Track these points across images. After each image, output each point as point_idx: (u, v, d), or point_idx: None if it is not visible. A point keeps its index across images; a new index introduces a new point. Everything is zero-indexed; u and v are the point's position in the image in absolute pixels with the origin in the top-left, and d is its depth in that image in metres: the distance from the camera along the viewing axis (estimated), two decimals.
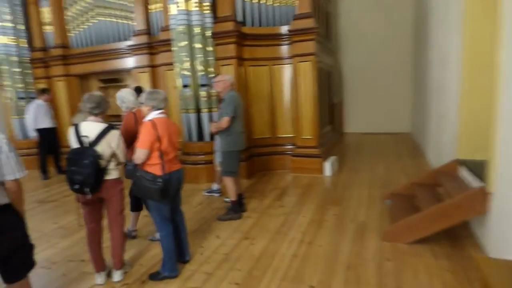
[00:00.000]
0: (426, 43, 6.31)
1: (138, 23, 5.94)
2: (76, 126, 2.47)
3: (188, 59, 5.10)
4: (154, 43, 5.74)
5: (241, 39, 5.31)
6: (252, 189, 4.84)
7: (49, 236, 3.55)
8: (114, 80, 6.93)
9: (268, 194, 4.57)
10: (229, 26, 5.09)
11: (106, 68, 6.55)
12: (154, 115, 2.54)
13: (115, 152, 2.54)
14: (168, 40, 5.44)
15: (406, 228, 2.88)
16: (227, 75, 3.82)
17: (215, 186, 4.67)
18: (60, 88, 6.95)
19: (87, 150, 2.37)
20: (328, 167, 5.37)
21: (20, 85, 6.96)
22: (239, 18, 5.40)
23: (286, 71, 5.65)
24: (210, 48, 5.23)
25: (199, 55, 5.12)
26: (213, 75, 5.29)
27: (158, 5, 5.76)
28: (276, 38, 5.51)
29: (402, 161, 5.97)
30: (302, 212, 3.84)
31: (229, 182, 3.74)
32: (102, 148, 2.44)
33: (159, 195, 2.41)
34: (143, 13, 5.88)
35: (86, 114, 2.55)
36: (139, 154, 2.45)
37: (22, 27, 7.01)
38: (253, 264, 2.76)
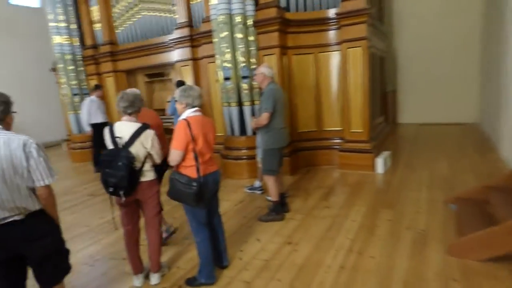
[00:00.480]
0: (502, 23, 5.46)
1: (179, 16, 5.89)
2: (111, 127, 2.40)
3: (229, 50, 4.93)
4: (196, 36, 5.65)
5: (285, 26, 5.00)
6: (295, 186, 4.58)
7: (95, 232, 3.65)
8: (158, 74, 7.02)
9: (313, 192, 4.28)
10: (271, 12, 4.80)
11: (151, 63, 6.64)
12: (188, 113, 2.39)
13: (150, 153, 2.45)
14: (209, 31, 5.32)
15: (478, 243, 2.44)
16: (266, 66, 3.54)
17: (257, 183, 4.50)
18: (109, 83, 7.21)
19: (121, 152, 2.29)
20: (380, 164, 4.92)
21: (74, 82, 7.35)
22: (282, 3, 5.09)
23: (334, 59, 5.24)
24: (251, 38, 5.00)
25: (240, 46, 4.91)
26: (254, 67, 5.06)
27: None
28: (322, 23, 5.10)
29: (469, 157, 5.27)
30: (351, 215, 3.52)
31: (269, 181, 3.53)
32: (136, 149, 2.36)
33: (194, 200, 2.27)
34: (184, 5, 5.81)
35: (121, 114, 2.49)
36: (173, 155, 2.32)
37: (74, 26, 7.35)
38: (295, 275, 2.54)
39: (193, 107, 2.41)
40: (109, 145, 2.41)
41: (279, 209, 3.57)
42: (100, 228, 3.77)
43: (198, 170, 2.30)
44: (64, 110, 8.17)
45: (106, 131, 2.41)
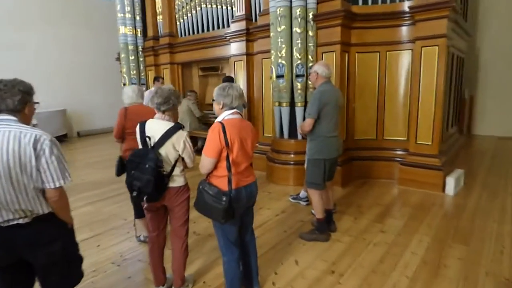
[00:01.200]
0: None
1: (238, 8, 5.64)
2: (142, 125, 2.18)
3: (285, 45, 4.54)
4: (252, 29, 5.35)
5: (349, 20, 4.46)
6: (346, 201, 4.07)
7: (130, 227, 3.55)
8: (213, 68, 6.88)
9: (366, 211, 3.75)
10: (336, 5, 4.30)
11: (207, 56, 6.52)
12: (225, 115, 2.07)
13: (182, 156, 2.19)
14: (267, 25, 4.98)
15: None
16: (321, 64, 3.06)
17: (302, 193, 4.08)
18: (165, 75, 7.26)
19: (149, 153, 2.06)
20: (451, 183, 4.17)
21: (133, 72, 7.56)
22: None
23: (404, 59, 4.57)
24: (311, 33, 4.55)
25: (298, 41, 4.50)
26: (311, 65, 4.61)
27: None
28: (393, 18, 4.46)
29: None
30: (411, 245, 2.94)
31: (314, 195, 3.09)
32: (167, 150, 2.11)
33: (223, 216, 1.95)
34: None
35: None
36: (204, 162, 2.02)
37: (139, 17, 7.53)
38: None
39: (232, 108, 2.09)
40: (139, 145, 2.20)
41: (324, 227, 3.13)
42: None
43: (230, 182, 1.98)
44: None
45: (137, 129, 2.20)
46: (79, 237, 2.16)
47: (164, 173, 2.12)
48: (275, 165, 4.93)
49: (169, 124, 2.15)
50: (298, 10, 4.42)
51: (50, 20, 9.31)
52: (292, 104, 4.76)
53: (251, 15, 5.60)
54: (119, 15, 7.36)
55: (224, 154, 2.00)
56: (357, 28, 4.60)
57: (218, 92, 2.13)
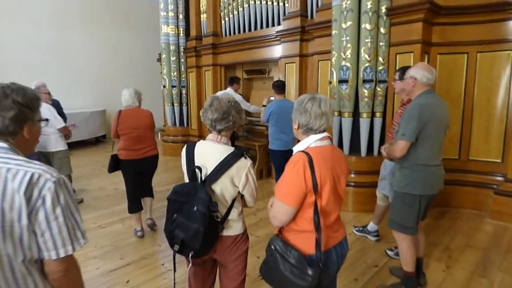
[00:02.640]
0: None
1: (290, 4, 4.98)
2: (190, 148, 1.59)
3: (351, 45, 3.82)
4: (308, 27, 4.66)
5: (433, 14, 3.65)
6: (427, 238, 3.24)
7: (163, 257, 2.99)
8: (259, 71, 6.28)
9: (459, 256, 2.92)
10: None
11: (253, 58, 5.93)
12: (310, 142, 1.42)
13: (242, 194, 1.56)
14: (326, 22, 4.30)
15: None
16: (421, 68, 2.24)
17: (371, 226, 3.32)
18: (207, 78, 6.77)
19: (199, 191, 1.45)
20: None
21: (174, 74, 7.15)
22: None
23: (501, 62, 3.68)
24: (383, 30, 3.79)
25: (368, 40, 3.76)
26: (382, 68, 3.86)
27: None
28: (490, 11, 3.59)
29: None
30: None
31: (402, 242, 2.32)
32: (222, 187, 1.50)
33: None
34: None
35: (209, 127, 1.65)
36: (279, 212, 1.38)
37: (182, 16, 7.12)
38: None
39: (317, 131, 1.43)
40: (184, 176, 1.60)
41: (414, 284, 2.36)
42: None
43: (318, 243, 1.32)
44: (163, 101, 8.15)
45: (183, 153, 1.60)
46: (106, 266, 1.59)
47: (218, 219, 1.50)
48: None
49: (226, 150, 1.53)
50: (369, 3, 3.68)
51: (91, 20, 9.24)
52: (355, 115, 4.03)
53: (307, 12, 4.92)
54: (162, 13, 6.99)
55: (310, 200, 1.34)
56: (441, 24, 3.77)
57: (295, 106, 1.48)
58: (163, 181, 5.42)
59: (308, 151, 1.38)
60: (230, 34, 6.34)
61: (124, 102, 3.32)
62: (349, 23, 3.79)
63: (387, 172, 2.92)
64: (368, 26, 3.72)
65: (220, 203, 1.52)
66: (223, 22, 6.47)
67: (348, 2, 3.74)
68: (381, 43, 3.83)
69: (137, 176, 3.34)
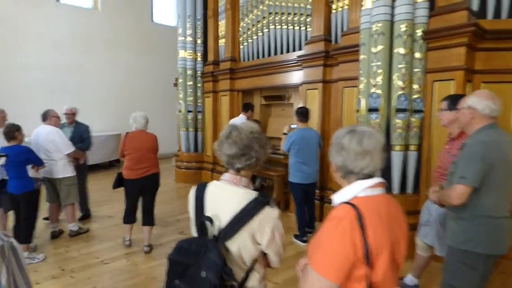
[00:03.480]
0: None
1: (314, 28, 4.76)
2: (200, 190, 1.25)
3: (382, 70, 3.50)
4: (333, 52, 4.39)
5: (477, 38, 3.30)
6: None
7: None
8: (277, 97, 6.02)
9: None
10: (459, 18, 3.19)
11: (271, 83, 5.68)
12: (356, 191, 1.06)
13: (265, 252, 1.19)
14: (352, 46, 4.02)
15: None
16: (481, 97, 1.87)
17: (409, 279, 2.83)
18: (224, 103, 6.55)
19: (209, 250, 1.09)
20: None
21: (190, 99, 6.99)
22: (475, 6, 3.42)
23: None
24: (418, 55, 3.46)
25: (402, 65, 3.43)
26: (417, 96, 3.50)
27: (345, 1, 4.38)
28: None
29: None
30: None
31: None
32: (240, 245, 1.14)
33: None
34: (322, 15, 4.64)
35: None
36: (314, 285, 1.00)
37: (200, 41, 7.05)
38: None
39: (360, 175, 1.07)
40: (192, 226, 1.26)
41: None
42: None
43: None
44: (178, 126, 7.96)
45: (190, 196, 1.27)
46: None
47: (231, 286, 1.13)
48: None
49: (247, 195, 1.18)
50: (402, 26, 3.38)
51: (110, 44, 9.34)
52: (387, 147, 3.64)
53: (330, 36, 4.68)
54: (180, 38, 6.94)
55: (359, 272, 0.96)
56: (485, 49, 3.41)
57: (332, 141, 1.14)
58: (175, 210, 5.09)
59: (356, 204, 1.01)
60: (248, 59, 6.16)
61: (136, 124, 3.59)
62: (380, 47, 3.49)
63: (433, 218, 2.48)
64: (402, 51, 3.40)
65: (236, 265, 1.15)
66: (241, 47, 6.32)
67: (380, 24, 3.46)
68: (416, 69, 3.49)
69: (137, 194, 3.63)
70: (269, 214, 1.15)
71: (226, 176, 1.26)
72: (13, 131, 3.24)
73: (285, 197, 5.18)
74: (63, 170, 3.86)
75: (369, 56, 3.61)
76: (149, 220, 3.67)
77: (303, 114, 3.67)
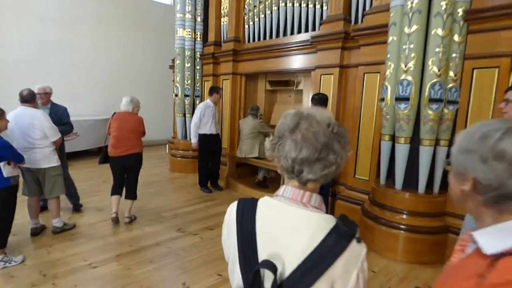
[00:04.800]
0: None
1: (332, 6, 4.28)
2: (246, 212, 0.84)
3: (415, 54, 3.09)
4: (353, 33, 3.95)
5: None
6: None
7: None
8: (284, 82, 5.58)
9: None
10: None
11: (279, 67, 5.22)
12: None
13: None
14: (377, 27, 3.61)
15: None
16: None
17: None
18: (225, 88, 6.07)
19: None
20: None
21: (187, 82, 6.49)
22: None
23: None
24: (457, 38, 3.05)
25: (439, 49, 3.01)
26: (453, 85, 3.11)
27: None
28: None
29: None
30: None
31: None
32: None
33: None
34: None
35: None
36: None
37: (200, 19, 6.51)
38: None
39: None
40: (232, 272, 0.85)
41: None
42: None
43: None
44: (173, 111, 7.49)
45: (230, 223, 0.85)
46: None
47: None
48: (377, 226, 3.41)
49: (323, 222, 0.77)
50: (443, 3, 2.95)
51: (102, 19, 8.70)
52: (414, 141, 3.27)
53: (350, 16, 4.23)
54: (178, 15, 6.39)
55: None
56: None
57: (462, 143, 0.72)
58: (171, 204, 4.67)
59: None
60: (254, 40, 5.67)
61: (121, 107, 3.87)
62: (414, 27, 3.06)
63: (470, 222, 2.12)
64: (440, 32, 2.99)
65: None
66: (246, 26, 5.82)
67: (416, 1, 3.03)
68: (454, 54, 3.09)
69: (121, 171, 3.89)
70: (356, 253, 0.75)
71: (288, 191, 0.84)
72: None
73: None
74: (48, 159, 3.38)
75: (401, 37, 3.19)
76: (131, 195, 3.94)
77: (321, 101, 3.27)
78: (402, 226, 3.27)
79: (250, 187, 5.22)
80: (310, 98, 3.45)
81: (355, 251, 0.75)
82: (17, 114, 3.27)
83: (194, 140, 5.15)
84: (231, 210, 0.89)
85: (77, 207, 4.25)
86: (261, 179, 5.36)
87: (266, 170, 5.33)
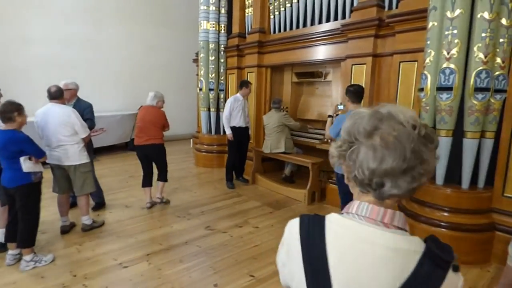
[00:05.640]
0: None
1: None
2: (314, 238, 0.73)
3: (459, 41, 2.88)
4: (388, 19, 3.74)
5: None
6: None
7: None
8: (312, 74, 5.42)
9: None
10: None
11: (306, 58, 5.07)
12: None
13: None
14: (415, 12, 3.42)
15: None
16: None
17: None
18: (250, 80, 5.98)
19: None
20: None
21: (212, 76, 6.46)
22: None
23: None
24: (505, 21, 2.81)
25: (485, 34, 2.79)
26: (500, 73, 2.89)
27: None
28: None
29: None
30: None
31: None
32: None
33: None
34: None
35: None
36: None
37: (224, 10, 6.43)
38: None
39: None
40: None
41: None
42: None
43: None
44: (198, 105, 7.51)
45: (291, 248, 0.76)
46: None
47: None
48: (416, 223, 3.26)
49: (411, 245, 0.67)
50: None
51: (126, 15, 8.80)
52: (457, 133, 3.07)
53: (383, 1, 4.02)
54: (202, 7, 6.34)
55: None
56: None
57: None
58: (199, 200, 4.68)
59: None
60: (279, 31, 5.53)
61: (147, 101, 4.26)
62: (458, 11, 2.85)
63: None
64: (487, 15, 2.76)
65: None
66: (272, 17, 5.68)
67: None
68: (501, 39, 2.85)
69: (144, 159, 4.29)
70: (454, 285, 0.65)
71: (365, 209, 0.72)
72: (11, 111, 2.69)
73: (320, 187, 4.70)
74: (79, 155, 3.43)
75: (442, 22, 2.98)
76: (161, 177, 4.40)
77: (357, 93, 3.11)
78: (443, 224, 3.11)
79: (277, 183, 5.15)
80: (345, 90, 3.29)
81: (453, 283, 0.64)
82: (46, 111, 3.32)
83: (228, 131, 5.20)
84: (292, 230, 0.77)
85: (99, 205, 4.26)
86: (288, 174, 5.27)
87: (293, 165, 5.23)
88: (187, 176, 5.98)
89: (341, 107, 3.53)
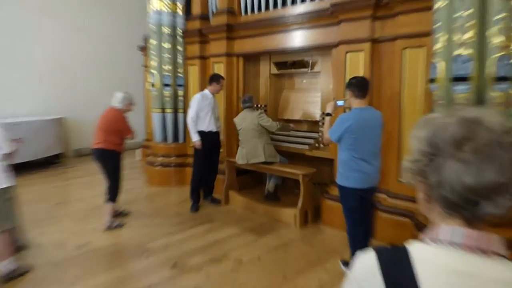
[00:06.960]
0: None
1: None
2: (393, 273, 0.77)
3: (474, 22, 3.14)
4: None
5: None
6: None
7: None
8: (295, 64, 5.61)
9: None
10: None
11: (288, 45, 5.25)
12: None
13: None
14: None
15: None
16: None
17: None
18: (219, 73, 6.08)
19: None
20: None
21: (167, 67, 6.48)
22: None
23: None
24: None
25: (500, 15, 3.05)
26: None
27: None
28: None
29: None
30: None
31: None
32: None
33: None
34: None
35: None
36: None
37: None
38: None
39: None
40: None
41: None
42: None
43: None
44: (148, 106, 7.46)
45: (368, 284, 0.80)
46: None
47: None
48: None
49: None
50: None
51: None
52: None
53: None
54: None
55: None
56: None
57: None
58: (157, 230, 4.60)
59: None
60: (253, 12, 5.70)
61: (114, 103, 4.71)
62: None
63: None
64: None
65: None
66: None
67: None
68: None
69: (101, 168, 4.65)
70: None
71: (458, 234, 0.76)
72: None
73: (313, 205, 4.83)
74: (1, 178, 3.31)
75: (452, 1, 3.24)
76: (109, 194, 4.62)
77: (361, 87, 3.28)
78: None
79: (258, 202, 5.22)
80: (346, 84, 3.46)
81: None
82: None
83: (195, 137, 5.22)
84: (369, 269, 0.79)
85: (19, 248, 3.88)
86: (271, 190, 5.35)
87: (277, 178, 5.33)
88: (138, 200, 5.89)
89: (340, 103, 3.68)
